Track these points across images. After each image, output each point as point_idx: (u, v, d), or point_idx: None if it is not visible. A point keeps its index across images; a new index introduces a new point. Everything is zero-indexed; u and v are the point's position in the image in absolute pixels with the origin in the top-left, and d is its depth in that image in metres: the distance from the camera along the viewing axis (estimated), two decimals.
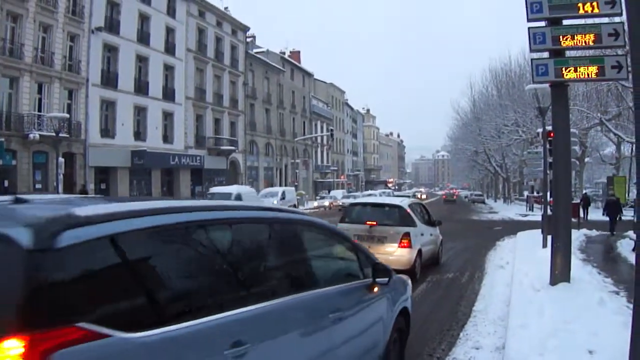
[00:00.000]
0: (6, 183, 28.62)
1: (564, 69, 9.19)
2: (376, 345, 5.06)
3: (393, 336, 5.45)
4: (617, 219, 24.49)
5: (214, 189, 34.45)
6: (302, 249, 4.33)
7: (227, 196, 27.65)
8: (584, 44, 9.12)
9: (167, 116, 42.89)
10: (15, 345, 2.13)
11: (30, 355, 2.14)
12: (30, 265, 2.29)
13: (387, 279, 5.08)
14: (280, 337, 3.51)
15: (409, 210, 12.63)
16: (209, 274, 3.32)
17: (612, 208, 24.91)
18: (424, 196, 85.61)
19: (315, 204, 55.08)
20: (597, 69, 8.99)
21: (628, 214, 27.88)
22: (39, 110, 30.33)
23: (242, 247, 3.79)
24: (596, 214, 33.87)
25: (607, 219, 24.81)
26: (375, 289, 5.01)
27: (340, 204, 47.17)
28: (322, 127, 79.08)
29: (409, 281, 6.40)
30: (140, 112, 39.69)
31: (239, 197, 28.11)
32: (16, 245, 2.31)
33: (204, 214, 3.47)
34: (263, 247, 3.99)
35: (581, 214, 29.61)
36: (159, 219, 2.99)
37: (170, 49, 42.91)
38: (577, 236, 18.43)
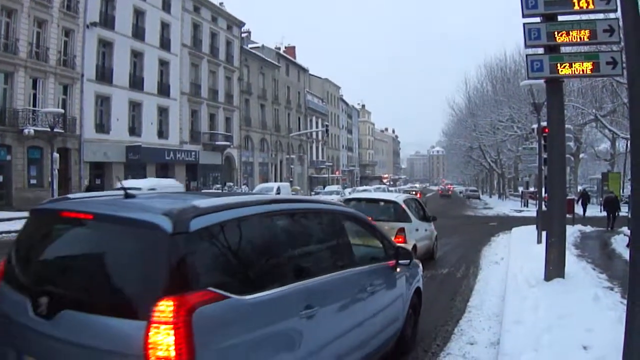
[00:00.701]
0: (1, 178, 28.54)
1: (558, 65, 9.19)
2: (398, 317, 5.89)
3: (409, 311, 6.28)
4: (616, 215, 24.78)
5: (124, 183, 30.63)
6: (346, 234, 5.16)
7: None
8: (579, 39, 9.14)
9: (162, 111, 42.78)
10: (167, 304, 2.91)
11: (179, 312, 2.91)
12: (174, 246, 3.07)
13: (408, 261, 6.00)
14: (335, 304, 4.38)
15: (404, 205, 12.62)
16: (289, 252, 4.21)
17: (611, 205, 25.21)
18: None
19: None
20: (592, 65, 8.99)
21: (622, 210, 27.98)
22: (34, 106, 30.21)
23: (310, 232, 4.78)
24: (591, 210, 33.95)
25: (605, 215, 25.11)
26: (398, 270, 5.88)
27: None
28: (317, 123, 78.92)
29: (421, 265, 7.28)
30: (135, 108, 39.55)
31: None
32: (161, 230, 3.09)
33: (285, 205, 4.50)
34: (323, 232, 4.97)
35: (578, 211, 29.70)
36: (252, 209, 3.85)
37: (165, 44, 42.74)
38: (572, 232, 18.49)
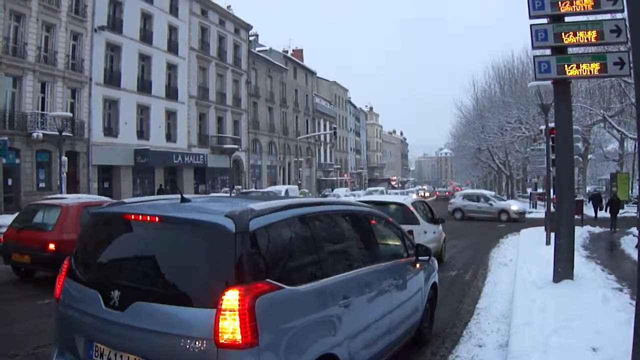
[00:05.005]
0: (10, 182, 28.66)
1: (566, 65, 9.17)
2: (418, 308, 6.45)
3: (426, 305, 6.83)
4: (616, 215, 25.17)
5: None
6: (375, 233, 5.76)
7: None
8: (586, 40, 9.11)
9: (170, 115, 42.88)
10: (234, 293, 3.37)
11: (244, 300, 3.37)
12: (238, 244, 3.51)
13: (427, 257, 6.72)
14: (367, 295, 4.86)
15: (412, 208, 12.61)
16: (330, 248, 4.74)
17: (613, 204, 25.57)
18: (427, 194, 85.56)
19: None
20: (600, 66, 8.97)
21: (631, 211, 27.90)
22: (42, 109, 30.33)
23: (345, 230, 5.34)
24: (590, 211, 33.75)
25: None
26: (417, 265, 6.49)
27: None
28: (325, 125, 79.01)
29: (436, 261, 7.87)
30: (143, 111, 39.67)
31: None
32: (226, 230, 3.55)
33: (326, 207, 5.02)
34: (356, 230, 5.46)
35: (588, 212, 29.59)
36: (299, 211, 4.37)
37: (173, 47, 42.87)
38: (581, 233, 18.40)
